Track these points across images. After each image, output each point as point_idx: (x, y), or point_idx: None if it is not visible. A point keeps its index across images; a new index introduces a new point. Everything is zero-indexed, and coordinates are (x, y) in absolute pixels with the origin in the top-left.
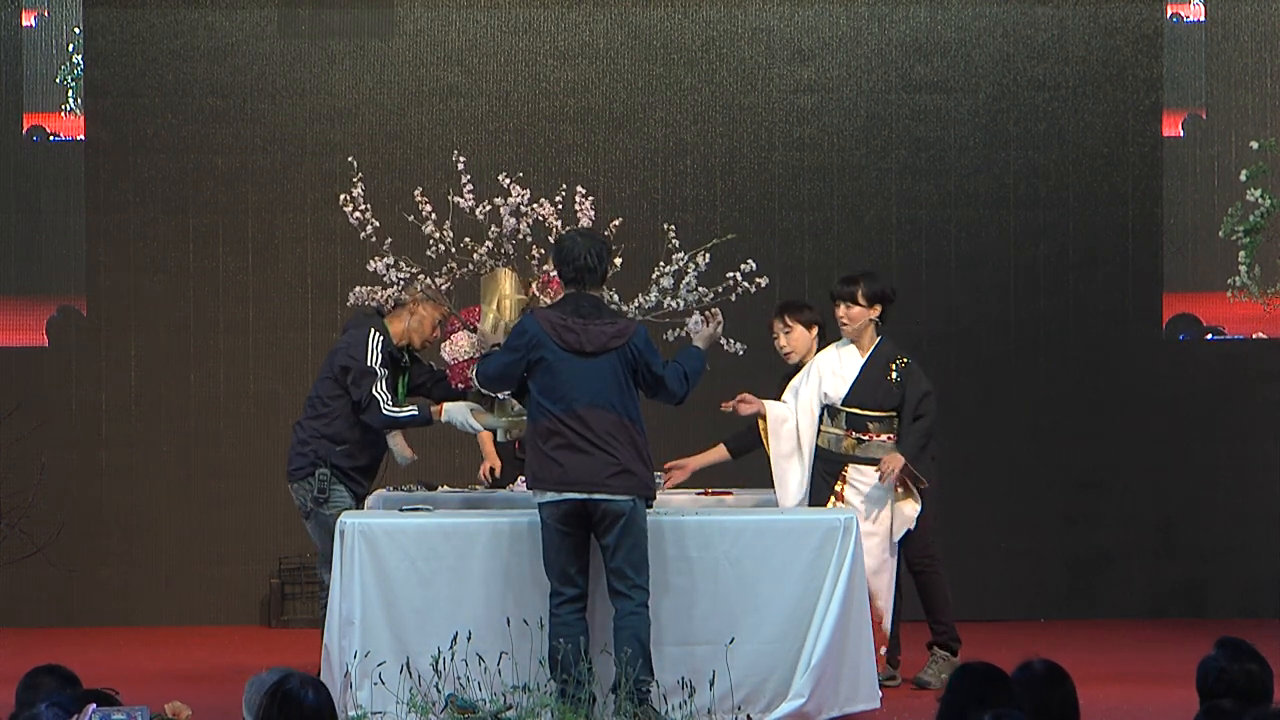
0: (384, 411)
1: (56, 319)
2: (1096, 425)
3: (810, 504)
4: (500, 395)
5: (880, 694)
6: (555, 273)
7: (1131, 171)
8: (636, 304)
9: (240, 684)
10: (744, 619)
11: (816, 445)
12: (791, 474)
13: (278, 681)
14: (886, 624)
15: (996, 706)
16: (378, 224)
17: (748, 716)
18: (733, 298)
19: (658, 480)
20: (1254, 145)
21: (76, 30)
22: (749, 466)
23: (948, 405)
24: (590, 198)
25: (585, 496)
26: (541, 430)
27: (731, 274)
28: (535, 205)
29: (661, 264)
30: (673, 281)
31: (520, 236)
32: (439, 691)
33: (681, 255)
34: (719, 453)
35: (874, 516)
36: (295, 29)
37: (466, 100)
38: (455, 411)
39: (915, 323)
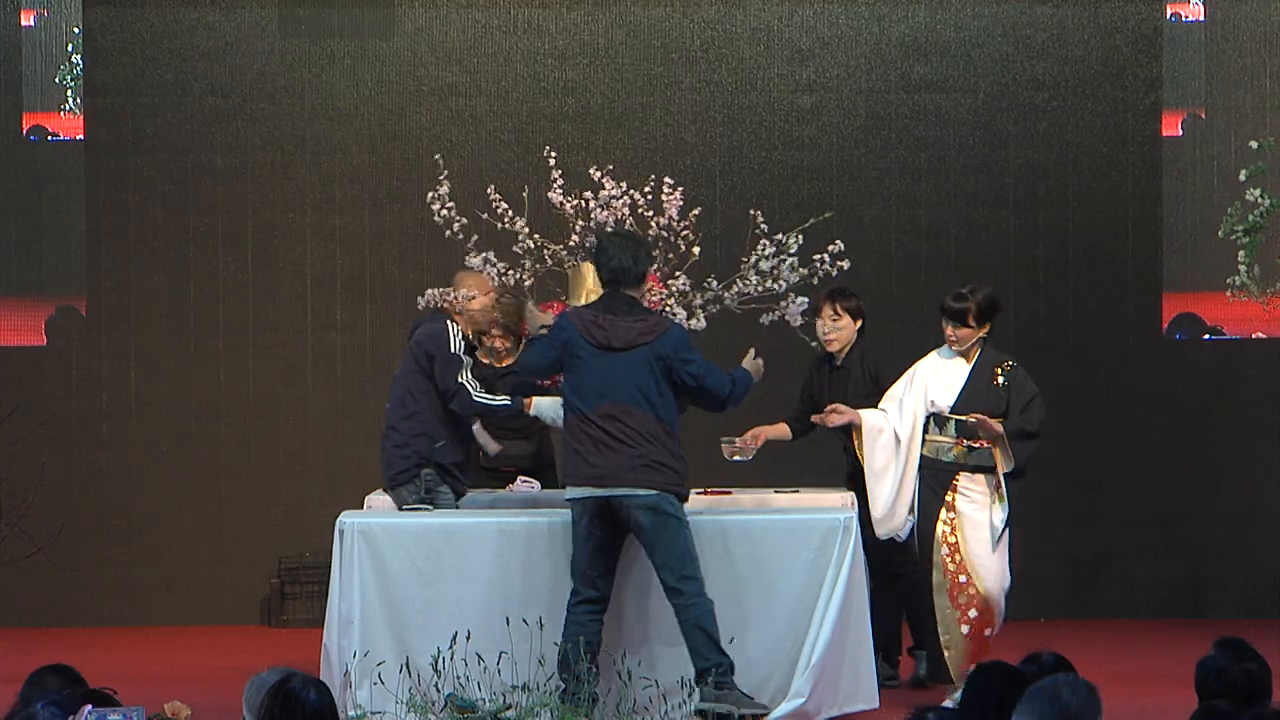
0: (474, 398)
1: (56, 319)
2: (1096, 425)
3: (920, 516)
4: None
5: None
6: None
7: (1131, 171)
8: (735, 289)
9: (240, 684)
10: (744, 618)
11: (923, 455)
12: (885, 489)
13: (279, 681)
14: (998, 624)
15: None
16: (465, 221)
17: (748, 716)
18: (815, 280)
19: (730, 447)
20: (1253, 145)
21: (76, 30)
22: (750, 466)
23: None
24: (679, 188)
25: (609, 492)
26: (571, 426)
27: (819, 255)
28: (628, 195)
29: (758, 247)
30: (770, 265)
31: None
32: (438, 691)
33: (781, 237)
34: (781, 429)
35: (983, 526)
36: (295, 28)
37: (466, 100)
38: (546, 405)
39: (915, 323)
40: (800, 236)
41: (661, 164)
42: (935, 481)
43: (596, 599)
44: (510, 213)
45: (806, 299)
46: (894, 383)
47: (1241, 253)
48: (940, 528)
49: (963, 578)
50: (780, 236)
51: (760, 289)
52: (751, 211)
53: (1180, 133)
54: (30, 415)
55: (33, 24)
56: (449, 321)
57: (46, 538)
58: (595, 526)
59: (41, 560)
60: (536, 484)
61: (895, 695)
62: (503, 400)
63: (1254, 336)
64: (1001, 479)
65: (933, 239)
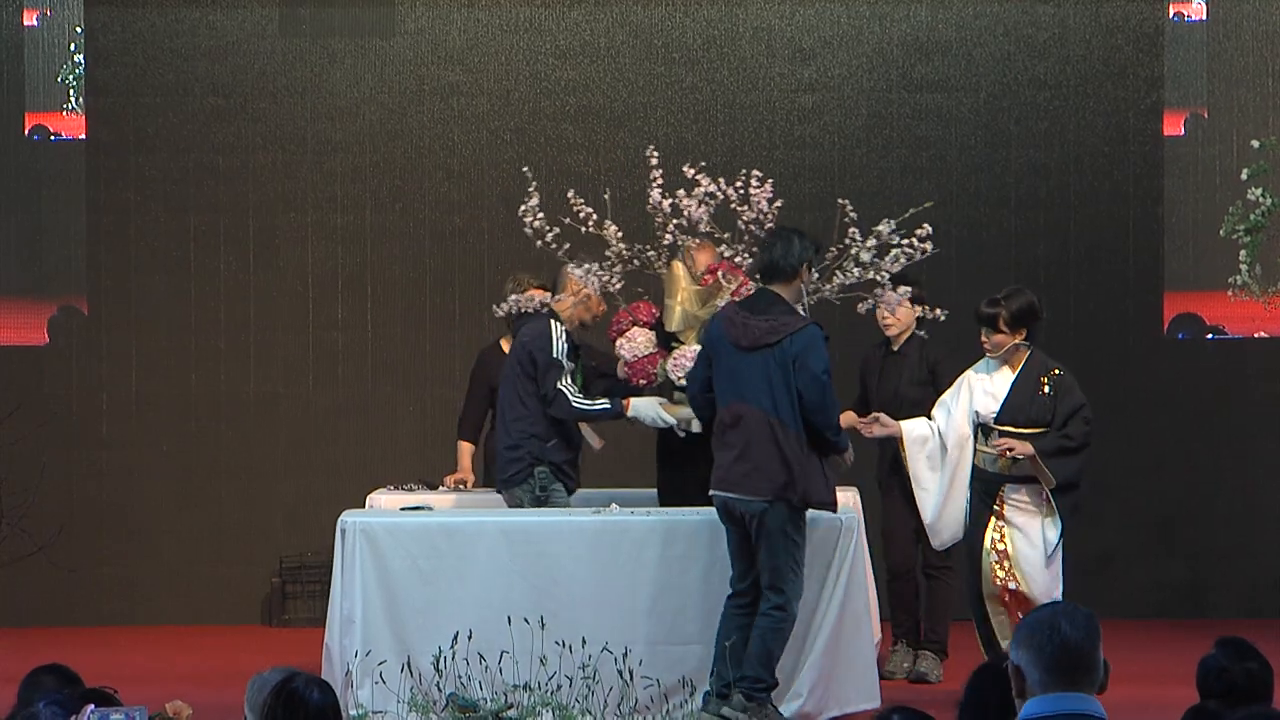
0: (573, 404)
1: (57, 318)
2: (1097, 425)
3: (969, 525)
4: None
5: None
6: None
7: (1132, 170)
8: (837, 280)
9: (241, 683)
10: None
11: (973, 465)
12: (931, 498)
13: (283, 681)
14: None
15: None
16: (557, 230)
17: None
18: (899, 263)
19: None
20: (1255, 144)
21: (78, 29)
22: None
23: None
24: (769, 180)
25: (726, 495)
26: (714, 427)
27: (907, 239)
28: (720, 189)
29: (857, 238)
30: (870, 255)
31: (699, 225)
32: (440, 690)
33: (882, 227)
34: (851, 417)
35: (1035, 536)
36: (296, 28)
37: (467, 99)
38: (644, 406)
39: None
40: (891, 223)
41: (663, 164)
42: (984, 491)
43: (742, 591)
44: (594, 215)
45: (910, 288)
46: (949, 380)
47: (1243, 252)
48: (990, 535)
49: (1013, 584)
50: (881, 227)
51: (863, 278)
52: (840, 201)
53: (1182, 132)
54: (31, 415)
55: (35, 24)
56: (553, 321)
57: (47, 537)
58: (729, 525)
59: (42, 560)
60: None
61: (896, 695)
62: (601, 404)
63: (1255, 336)
64: (1049, 494)
65: (933, 238)
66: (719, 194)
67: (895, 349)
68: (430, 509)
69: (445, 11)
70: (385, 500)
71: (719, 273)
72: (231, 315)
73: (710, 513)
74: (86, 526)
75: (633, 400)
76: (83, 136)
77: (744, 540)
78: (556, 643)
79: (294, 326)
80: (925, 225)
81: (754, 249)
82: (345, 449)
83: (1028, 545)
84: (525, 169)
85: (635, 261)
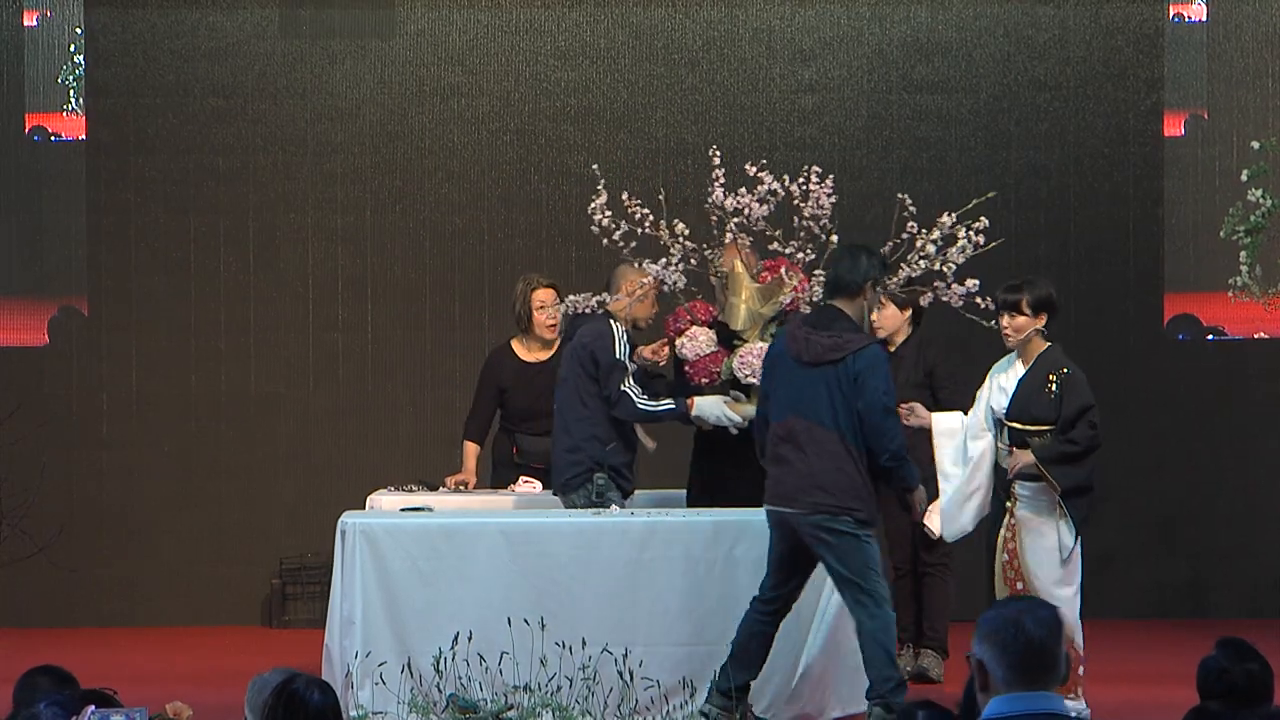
0: (638, 406)
1: (58, 319)
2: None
3: (989, 522)
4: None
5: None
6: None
7: (1132, 171)
8: (904, 274)
9: (241, 684)
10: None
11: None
12: (949, 489)
13: (283, 682)
14: (1079, 641)
15: None
16: (625, 228)
17: (748, 717)
18: (964, 255)
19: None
20: (1255, 145)
21: (78, 30)
22: None
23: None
24: (830, 176)
25: (785, 510)
26: (768, 440)
27: (965, 232)
28: (782, 187)
29: (924, 232)
30: (935, 249)
31: (758, 223)
32: (440, 691)
33: (947, 220)
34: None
35: (1047, 536)
36: (296, 29)
37: (467, 100)
38: (709, 405)
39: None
40: (953, 216)
41: (663, 164)
42: (1001, 487)
43: (769, 599)
44: (651, 215)
45: (978, 280)
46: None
47: (1243, 253)
48: (1002, 534)
49: (1020, 585)
50: (946, 220)
51: (930, 269)
52: (900, 195)
53: (1182, 133)
54: (31, 415)
55: (35, 24)
56: (612, 322)
57: (47, 538)
58: (778, 538)
59: (42, 560)
60: (538, 484)
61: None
62: (666, 405)
63: (1255, 337)
64: (1059, 499)
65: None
66: (779, 191)
67: (891, 350)
68: (430, 510)
69: (445, 13)
70: (385, 501)
71: (782, 269)
72: (231, 316)
73: (711, 513)
74: (86, 527)
75: (696, 400)
76: (83, 137)
77: (790, 553)
78: (557, 644)
79: (294, 327)
80: (983, 218)
81: (808, 246)
82: (345, 450)
83: (1036, 545)
84: (594, 166)
85: (693, 260)
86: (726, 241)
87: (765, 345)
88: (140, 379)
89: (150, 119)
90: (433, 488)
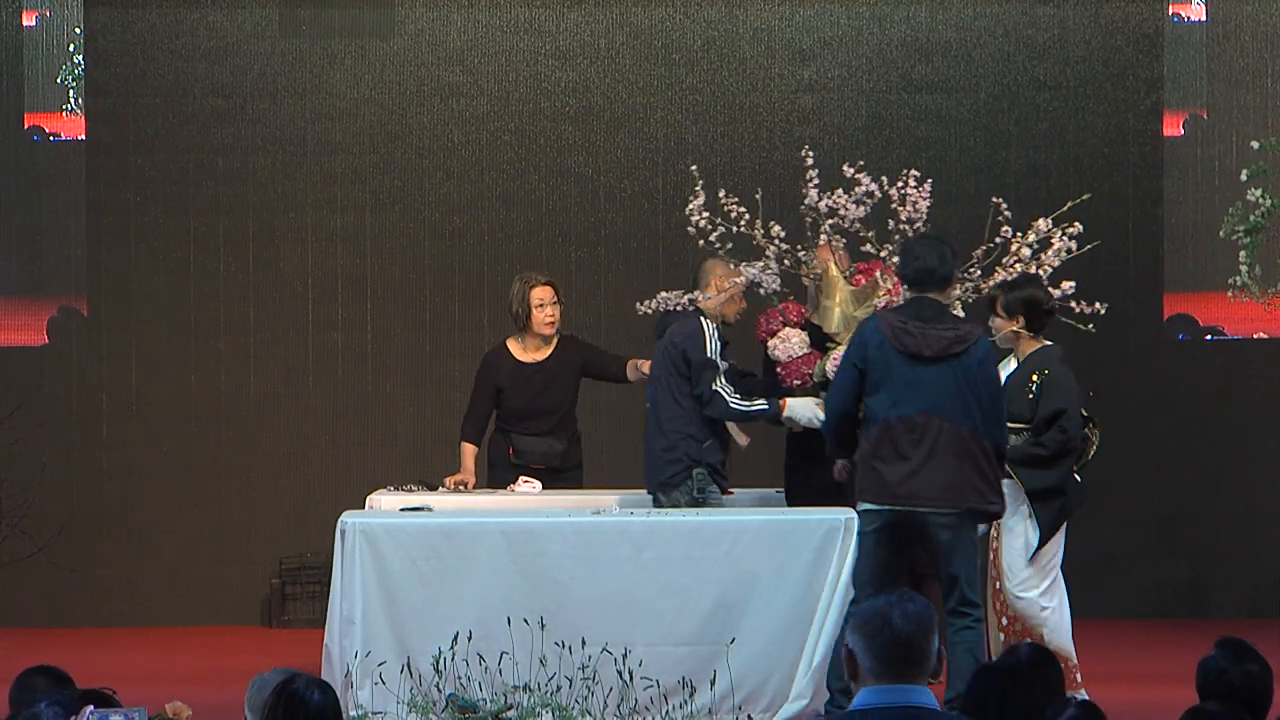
0: (731, 405)
1: (57, 319)
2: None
3: None
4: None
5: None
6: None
7: (1132, 171)
8: (999, 277)
9: (241, 684)
10: (745, 619)
11: None
12: None
13: (283, 682)
14: (1065, 646)
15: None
16: (723, 230)
17: (749, 717)
18: (1055, 262)
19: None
20: (1255, 145)
21: (77, 30)
22: (751, 467)
23: None
24: (928, 180)
25: (909, 508)
26: (871, 436)
27: (1060, 238)
28: (878, 189)
29: (1019, 235)
30: (1032, 252)
31: (853, 225)
32: (440, 691)
33: (1044, 225)
34: None
35: (1017, 534)
36: (296, 29)
37: (467, 100)
38: (800, 407)
39: None
40: (1049, 222)
41: (663, 164)
42: None
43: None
44: (747, 214)
45: (1074, 283)
46: None
47: (1243, 253)
48: (991, 533)
49: (998, 584)
50: (1040, 223)
51: (1031, 269)
52: (994, 200)
53: (1181, 133)
54: (31, 415)
55: (34, 24)
56: (703, 320)
57: (46, 538)
58: (885, 541)
59: (41, 560)
60: (538, 484)
61: None
62: (759, 404)
63: (1255, 337)
64: (1027, 500)
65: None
66: (876, 193)
67: None
68: (430, 510)
69: (445, 13)
70: (385, 501)
71: (876, 272)
72: (231, 316)
73: (711, 513)
74: (86, 527)
75: (789, 400)
76: (82, 137)
77: (899, 558)
78: (556, 644)
79: (294, 327)
80: (1076, 224)
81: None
82: (345, 450)
83: (1009, 544)
84: (693, 167)
85: (786, 261)
86: (820, 243)
87: None
88: (140, 379)
89: (150, 119)
90: (432, 488)
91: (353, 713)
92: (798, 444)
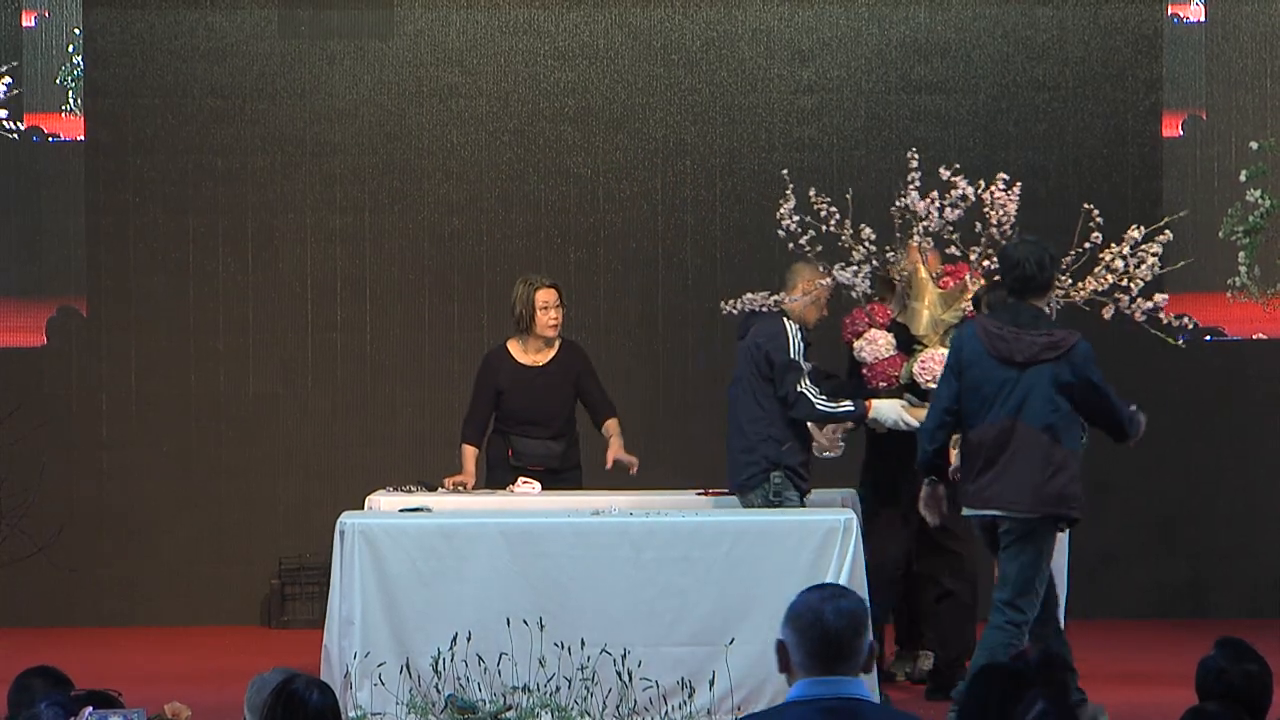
0: (817, 406)
1: (56, 319)
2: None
3: None
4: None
5: (880, 695)
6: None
7: (1131, 172)
8: (1090, 287)
9: (241, 684)
10: (744, 620)
11: None
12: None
13: (283, 682)
14: None
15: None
16: (814, 233)
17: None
18: (1146, 275)
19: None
20: (1254, 146)
21: (76, 31)
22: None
23: None
24: (1018, 183)
25: (990, 512)
26: (965, 440)
27: (1155, 251)
28: (974, 193)
29: (1113, 245)
30: (1124, 263)
31: (945, 229)
32: (439, 692)
33: (1135, 234)
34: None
35: None
36: (295, 30)
37: (466, 101)
38: (887, 408)
39: None
40: (1141, 229)
41: (662, 165)
42: None
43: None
44: (837, 215)
45: (1165, 295)
46: None
47: (1242, 254)
48: None
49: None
50: (1133, 233)
51: (1122, 282)
52: (1086, 206)
53: (1180, 134)
54: (30, 415)
55: (33, 25)
56: (786, 320)
57: (46, 538)
58: (989, 542)
59: (41, 560)
60: (537, 485)
61: (898, 695)
62: (845, 406)
63: (1254, 337)
64: None
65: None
66: (970, 197)
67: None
68: (429, 510)
69: (444, 13)
70: (384, 502)
71: (965, 275)
72: (230, 316)
73: (713, 514)
74: (86, 527)
75: (874, 402)
76: (81, 138)
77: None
78: (555, 644)
79: (293, 328)
80: (1167, 232)
81: (990, 252)
82: (344, 450)
83: None
84: (784, 171)
85: (875, 263)
86: (911, 245)
87: (945, 351)
88: (139, 379)
89: (149, 119)
90: (431, 488)
91: (352, 713)
92: (880, 445)
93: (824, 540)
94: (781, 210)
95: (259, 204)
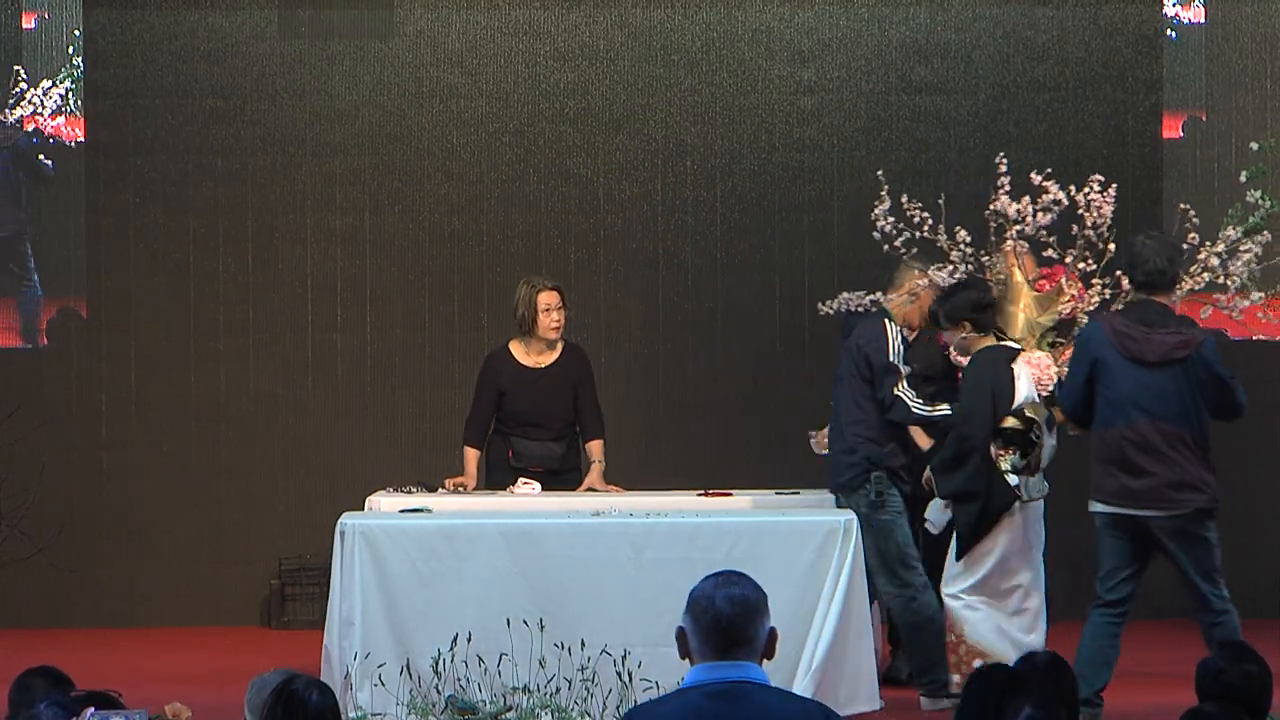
0: (913, 410)
1: (56, 320)
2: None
3: None
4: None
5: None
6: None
7: (1131, 173)
8: (1186, 286)
9: (241, 685)
10: None
11: None
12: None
13: (283, 683)
14: (984, 650)
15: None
16: (910, 235)
17: None
18: (1243, 273)
19: (816, 439)
20: (1254, 147)
21: (76, 32)
22: (751, 468)
23: None
24: (1113, 185)
25: (1138, 512)
26: (1099, 439)
27: (1254, 250)
28: (1067, 196)
29: (1207, 243)
30: (1220, 261)
31: (1039, 232)
32: (439, 693)
33: (1232, 233)
34: None
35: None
36: (295, 30)
37: (466, 101)
38: None
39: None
40: (1238, 229)
41: (662, 166)
42: None
43: (1114, 601)
44: (930, 219)
45: (1262, 294)
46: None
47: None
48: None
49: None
50: (1231, 232)
51: (1218, 280)
52: (1182, 206)
53: (1181, 135)
54: (30, 416)
55: (33, 26)
56: (887, 322)
57: (46, 538)
58: (1121, 538)
59: (41, 561)
60: (537, 485)
61: (898, 697)
62: (942, 409)
63: (1255, 338)
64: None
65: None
66: (1063, 200)
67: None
68: (430, 511)
69: (444, 14)
70: (385, 502)
71: (1060, 278)
72: (230, 317)
73: (713, 515)
74: (86, 528)
75: None
76: (82, 139)
77: (1136, 554)
78: (555, 645)
79: (293, 328)
80: (1266, 233)
81: (1086, 254)
82: (344, 451)
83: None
84: (879, 172)
85: (970, 266)
86: (1005, 248)
87: (1043, 354)
88: (139, 380)
89: (149, 120)
90: (431, 489)
91: (352, 714)
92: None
93: (824, 541)
94: (876, 212)
95: (259, 204)
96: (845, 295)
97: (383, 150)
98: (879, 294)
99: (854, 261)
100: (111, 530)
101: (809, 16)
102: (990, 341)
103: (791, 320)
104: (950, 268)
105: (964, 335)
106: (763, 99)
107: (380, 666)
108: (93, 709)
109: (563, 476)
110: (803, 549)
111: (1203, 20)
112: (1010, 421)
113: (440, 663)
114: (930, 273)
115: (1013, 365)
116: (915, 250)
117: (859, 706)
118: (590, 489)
